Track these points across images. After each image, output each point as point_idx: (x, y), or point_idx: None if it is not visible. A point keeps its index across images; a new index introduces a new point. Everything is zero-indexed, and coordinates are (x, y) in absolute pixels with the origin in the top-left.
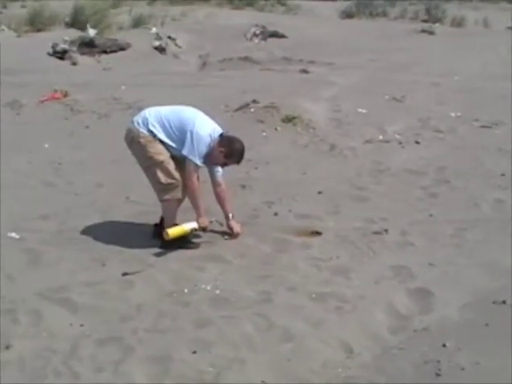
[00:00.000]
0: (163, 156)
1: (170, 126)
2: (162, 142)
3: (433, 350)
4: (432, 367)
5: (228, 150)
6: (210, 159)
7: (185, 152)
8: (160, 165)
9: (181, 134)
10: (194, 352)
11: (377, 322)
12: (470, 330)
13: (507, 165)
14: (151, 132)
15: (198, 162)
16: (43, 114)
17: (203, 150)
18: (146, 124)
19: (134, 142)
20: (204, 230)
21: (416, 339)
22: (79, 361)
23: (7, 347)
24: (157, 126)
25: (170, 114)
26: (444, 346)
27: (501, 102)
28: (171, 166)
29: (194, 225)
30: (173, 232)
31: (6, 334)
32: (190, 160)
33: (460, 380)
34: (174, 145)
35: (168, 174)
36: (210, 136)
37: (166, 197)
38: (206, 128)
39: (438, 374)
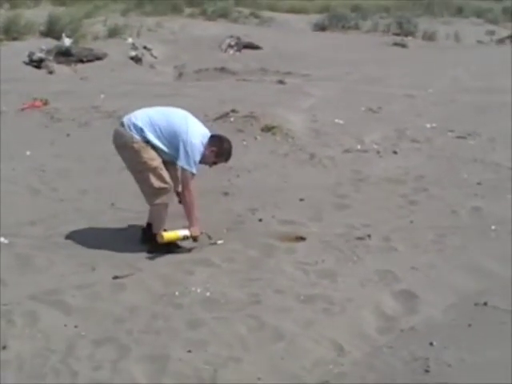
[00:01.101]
0: (156, 162)
1: (161, 132)
2: (154, 147)
3: (420, 348)
4: (421, 364)
5: (219, 150)
6: (200, 160)
7: (181, 163)
8: (153, 170)
9: (172, 139)
10: (190, 351)
11: (365, 323)
12: (455, 329)
13: (482, 174)
14: (144, 137)
15: (194, 170)
16: (24, 121)
17: (197, 157)
18: (138, 129)
19: (127, 147)
20: (195, 239)
21: (404, 338)
22: (77, 360)
23: (4, 347)
24: (149, 131)
25: (160, 118)
26: (431, 344)
27: (474, 114)
28: (164, 171)
29: (186, 232)
30: (168, 236)
31: (2, 335)
32: (186, 170)
33: (448, 376)
34: (166, 150)
35: (161, 178)
36: (202, 143)
37: (157, 201)
38: (197, 135)
39: (426, 371)
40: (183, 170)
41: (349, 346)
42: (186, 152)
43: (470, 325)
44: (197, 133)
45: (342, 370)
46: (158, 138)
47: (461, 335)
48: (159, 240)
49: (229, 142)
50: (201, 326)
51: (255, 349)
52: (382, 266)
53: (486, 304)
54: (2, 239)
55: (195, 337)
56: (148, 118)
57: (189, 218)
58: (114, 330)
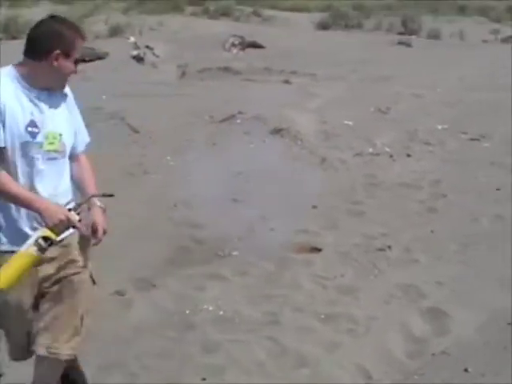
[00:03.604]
0: None
1: None
2: None
3: (455, 375)
4: None
5: (60, 42)
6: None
7: None
8: None
9: None
10: (204, 379)
11: (393, 345)
12: (490, 353)
13: (500, 178)
14: None
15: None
16: None
17: None
18: None
19: None
20: (69, 227)
21: (436, 363)
22: None
23: (0, 375)
24: None
25: None
26: (466, 370)
27: (484, 114)
28: None
29: (33, 239)
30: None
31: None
32: None
33: None
34: None
35: None
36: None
37: None
38: None
39: None
40: None
41: (377, 372)
42: None
43: (505, 347)
44: None
45: None
46: None
47: (497, 360)
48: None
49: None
50: (215, 349)
51: (276, 376)
52: (405, 280)
53: None
54: None
55: (210, 362)
56: None
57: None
58: (121, 354)
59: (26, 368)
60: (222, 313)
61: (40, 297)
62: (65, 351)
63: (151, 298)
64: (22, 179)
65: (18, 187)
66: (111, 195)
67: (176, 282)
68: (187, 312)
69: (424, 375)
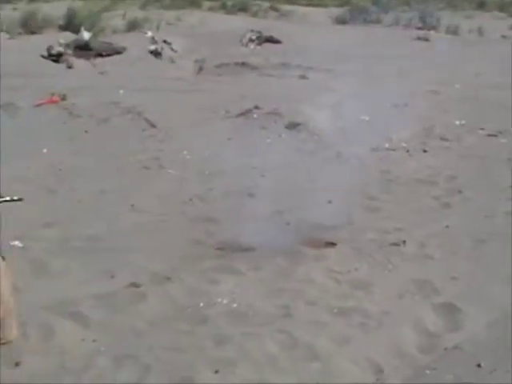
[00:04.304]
0: None
1: None
2: None
3: (467, 370)
4: None
5: None
6: None
7: None
8: None
9: None
10: (216, 371)
11: (405, 340)
12: (503, 348)
13: None
14: None
15: None
16: (40, 117)
17: None
18: None
19: None
20: None
21: (448, 359)
22: (94, 380)
23: (17, 364)
24: None
25: None
26: (479, 366)
27: (503, 111)
28: None
29: None
30: None
31: (16, 350)
32: None
33: None
34: None
35: None
36: None
37: None
38: None
39: None
40: None
41: (389, 367)
42: None
43: None
44: None
45: None
46: None
47: (509, 355)
48: None
49: None
50: (228, 342)
51: (288, 370)
52: (419, 276)
53: None
54: (16, 243)
55: (223, 355)
56: None
57: None
58: (135, 345)
59: (42, 361)
60: (235, 306)
61: None
62: None
63: (165, 292)
64: None
65: None
66: (20, 199)
67: (190, 276)
68: (201, 305)
69: (436, 370)
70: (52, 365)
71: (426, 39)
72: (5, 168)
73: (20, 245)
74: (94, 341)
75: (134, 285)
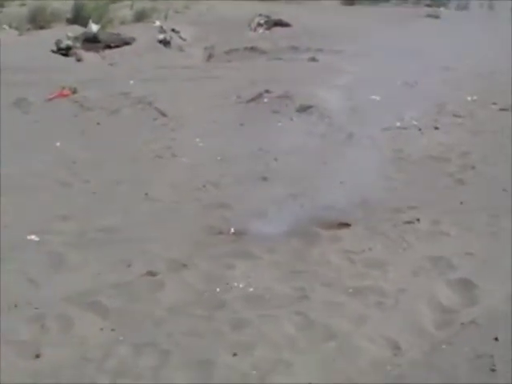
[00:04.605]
0: None
1: None
2: None
3: (484, 344)
4: (486, 362)
5: None
6: None
7: None
8: None
9: None
10: (235, 354)
11: (421, 317)
12: None
13: None
14: None
15: None
16: (52, 111)
17: None
18: None
19: None
20: None
21: (465, 333)
22: (115, 368)
23: (37, 356)
24: None
25: None
26: (496, 339)
27: None
28: None
29: None
30: None
31: (36, 342)
32: None
33: None
34: None
35: None
36: None
37: None
38: None
39: (492, 370)
40: None
41: (406, 343)
42: None
43: None
44: None
45: (400, 372)
46: None
47: None
48: None
49: None
50: (246, 326)
51: (305, 350)
52: (434, 253)
53: None
54: (33, 237)
55: (241, 338)
56: None
57: None
58: (153, 332)
59: (63, 351)
60: (252, 289)
61: None
62: None
63: (182, 278)
64: None
65: None
66: None
67: (206, 262)
68: (218, 290)
69: (452, 344)
70: (72, 355)
71: (436, 16)
72: (19, 163)
73: (36, 239)
74: (112, 330)
75: (151, 273)
